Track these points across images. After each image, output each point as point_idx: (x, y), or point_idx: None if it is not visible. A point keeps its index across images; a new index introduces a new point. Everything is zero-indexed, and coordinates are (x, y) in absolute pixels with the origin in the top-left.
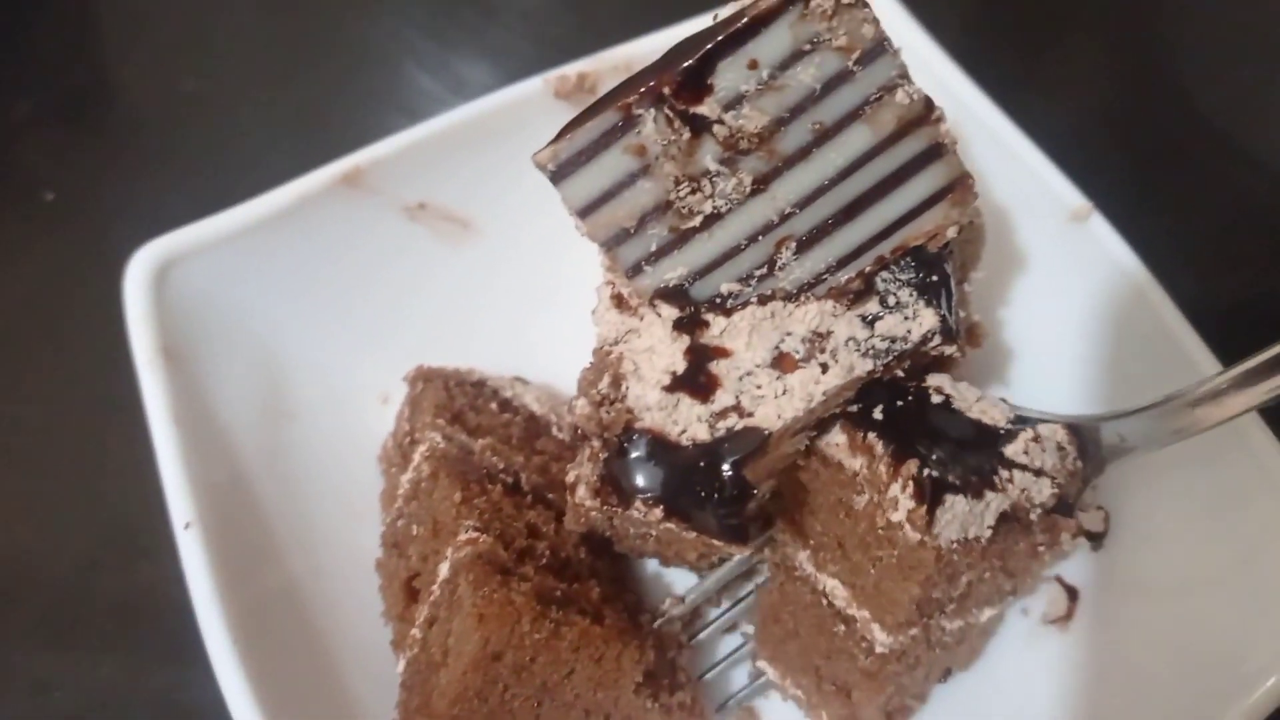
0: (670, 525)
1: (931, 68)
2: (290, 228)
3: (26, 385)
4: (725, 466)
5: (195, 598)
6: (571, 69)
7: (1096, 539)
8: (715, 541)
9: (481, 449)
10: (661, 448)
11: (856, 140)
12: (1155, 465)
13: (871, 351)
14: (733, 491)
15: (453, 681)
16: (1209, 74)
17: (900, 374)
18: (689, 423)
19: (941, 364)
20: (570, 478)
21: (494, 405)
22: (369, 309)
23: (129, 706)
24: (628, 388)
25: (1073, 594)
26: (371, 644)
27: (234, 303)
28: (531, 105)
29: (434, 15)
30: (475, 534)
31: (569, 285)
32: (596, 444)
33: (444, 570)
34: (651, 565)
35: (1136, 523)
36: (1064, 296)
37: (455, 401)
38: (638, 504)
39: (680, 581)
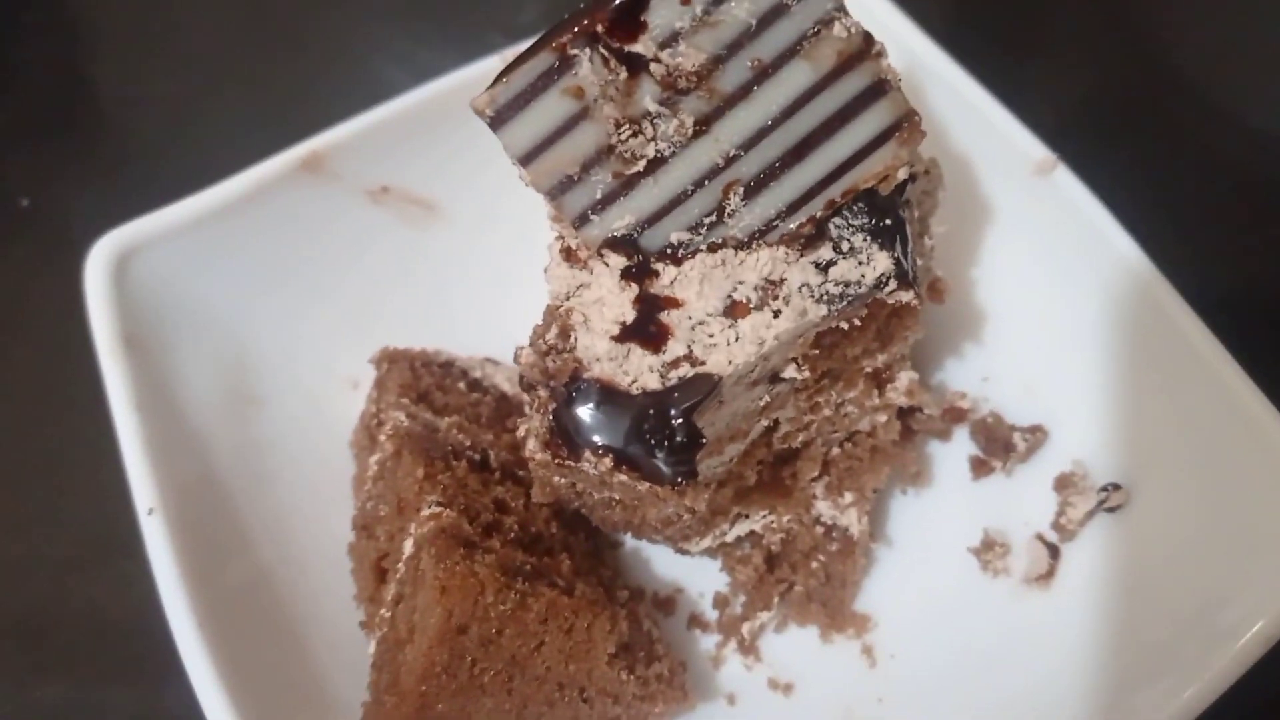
0: (623, 477)
1: (877, 17)
2: (252, 214)
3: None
4: (675, 414)
5: (161, 585)
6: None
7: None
8: (664, 493)
9: (447, 427)
10: (611, 397)
11: (797, 77)
12: (1136, 421)
13: (825, 297)
14: (683, 439)
15: (419, 657)
16: (1182, 31)
17: (858, 323)
18: (640, 372)
19: (902, 316)
20: (520, 432)
21: (462, 385)
22: (336, 294)
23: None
24: (576, 338)
25: (1054, 552)
26: (345, 629)
27: (198, 291)
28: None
29: (401, 7)
30: (438, 509)
31: (538, 266)
32: (543, 393)
33: (408, 547)
34: (630, 543)
35: (1118, 480)
36: (1032, 252)
37: (421, 381)
38: (588, 455)
39: (658, 558)
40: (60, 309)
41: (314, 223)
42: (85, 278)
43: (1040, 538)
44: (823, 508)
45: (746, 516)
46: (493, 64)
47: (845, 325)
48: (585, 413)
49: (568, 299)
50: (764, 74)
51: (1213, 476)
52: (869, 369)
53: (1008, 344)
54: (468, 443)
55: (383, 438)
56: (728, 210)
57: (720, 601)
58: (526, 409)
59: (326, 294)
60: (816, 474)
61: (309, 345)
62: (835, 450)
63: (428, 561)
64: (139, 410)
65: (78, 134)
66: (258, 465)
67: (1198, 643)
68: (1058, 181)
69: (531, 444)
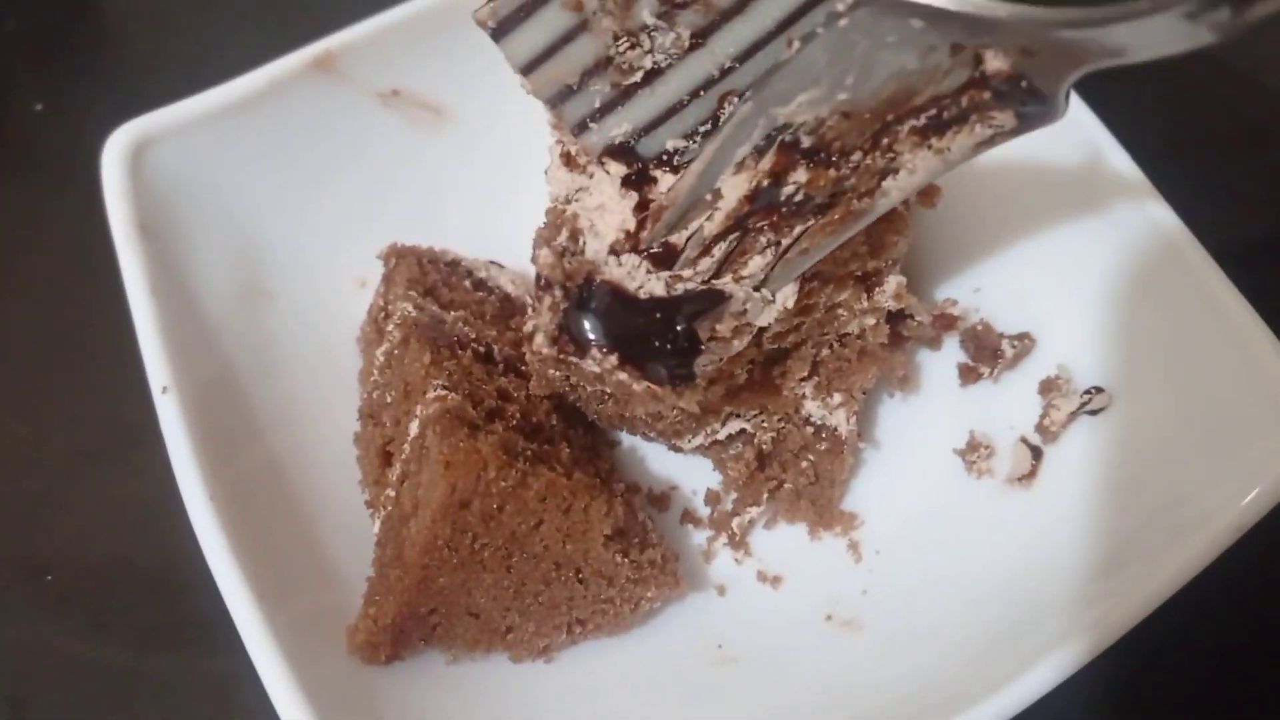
0: (623, 376)
1: None
2: (265, 112)
3: (18, 282)
4: (680, 322)
5: (174, 461)
6: None
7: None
8: (661, 392)
9: (454, 320)
10: (619, 300)
11: None
12: (1119, 328)
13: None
14: (684, 344)
15: (422, 530)
16: None
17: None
18: (647, 280)
19: (892, 220)
20: (528, 327)
21: (468, 283)
22: (344, 194)
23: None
24: (585, 242)
25: (1036, 453)
26: (350, 512)
27: (210, 184)
28: None
29: None
30: (444, 392)
31: (542, 173)
32: (558, 293)
33: (414, 428)
34: (627, 442)
35: (1101, 384)
36: (1025, 165)
37: (428, 277)
38: (594, 352)
39: (653, 456)
40: (79, 209)
41: (324, 123)
42: (102, 166)
43: (1024, 440)
44: (812, 408)
45: (737, 415)
46: None
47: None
48: (595, 314)
49: (568, 202)
50: None
51: (1191, 380)
52: (858, 272)
53: (999, 255)
54: (473, 335)
55: (390, 328)
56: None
57: (712, 498)
58: (531, 307)
59: (335, 193)
60: (805, 374)
61: (318, 242)
62: (825, 352)
63: (433, 439)
64: (154, 294)
65: (87, 38)
66: (267, 357)
67: (1168, 532)
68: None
69: (539, 339)
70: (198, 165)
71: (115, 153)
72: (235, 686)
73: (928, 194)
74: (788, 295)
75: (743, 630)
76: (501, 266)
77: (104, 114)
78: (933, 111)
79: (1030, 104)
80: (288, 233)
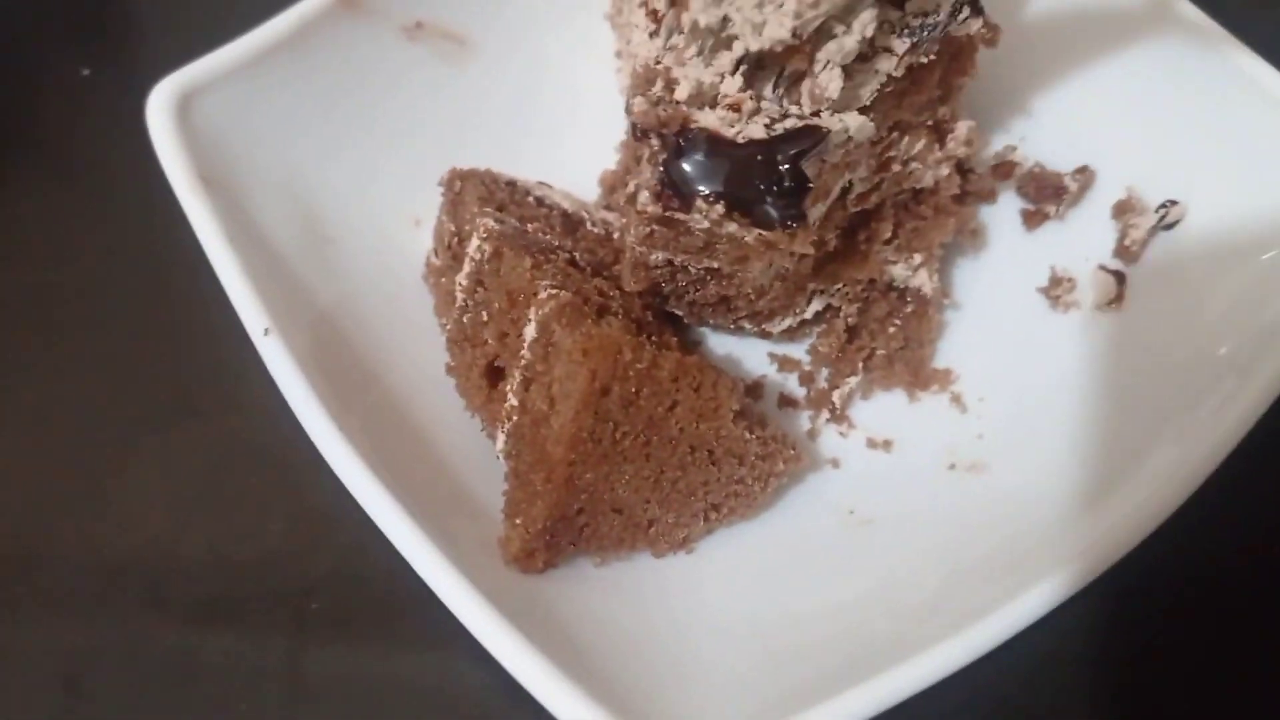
0: (732, 226)
1: None
2: (296, 54)
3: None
4: (783, 161)
5: (291, 399)
6: None
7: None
8: (774, 237)
9: (533, 230)
10: (719, 146)
11: None
12: (1181, 143)
13: (907, 30)
14: (791, 184)
15: (565, 424)
16: None
17: (933, 58)
18: (744, 124)
19: (962, 58)
20: (630, 188)
21: (530, 199)
22: (384, 132)
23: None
24: (678, 91)
25: (1120, 277)
26: (467, 440)
27: (255, 132)
28: None
29: None
30: (555, 290)
31: (567, 99)
32: (655, 143)
33: (530, 332)
34: (719, 348)
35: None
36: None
37: (496, 195)
38: (699, 204)
39: (738, 352)
40: (134, 165)
41: (354, 61)
42: (149, 122)
43: (1103, 267)
44: (895, 271)
45: (822, 292)
46: None
47: (924, 60)
48: (695, 163)
49: (657, 63)
50: None
51: (1256, 176)
52: (929, 121)
53: (1040, 99)
54: (555, 243)
55: (474, 246)
56: None
57: (805, 378)
58: (632, 169)
59: (375, 132)
60: (889, 236)
61: (367, 183)
62: (902, 213)
63: (561, 333)
64: (231, 243)
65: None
66: (344, 299)
67: (1255, 338)
68: None
69: (643, 197)
70: (241, 112)
71: (160, 106)
72: (297, 663)
73: (990, 33)
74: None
75: (870, 493)
76: (550, 186)
77: (151, 72)
78: None
79: None
80: (337, 176)
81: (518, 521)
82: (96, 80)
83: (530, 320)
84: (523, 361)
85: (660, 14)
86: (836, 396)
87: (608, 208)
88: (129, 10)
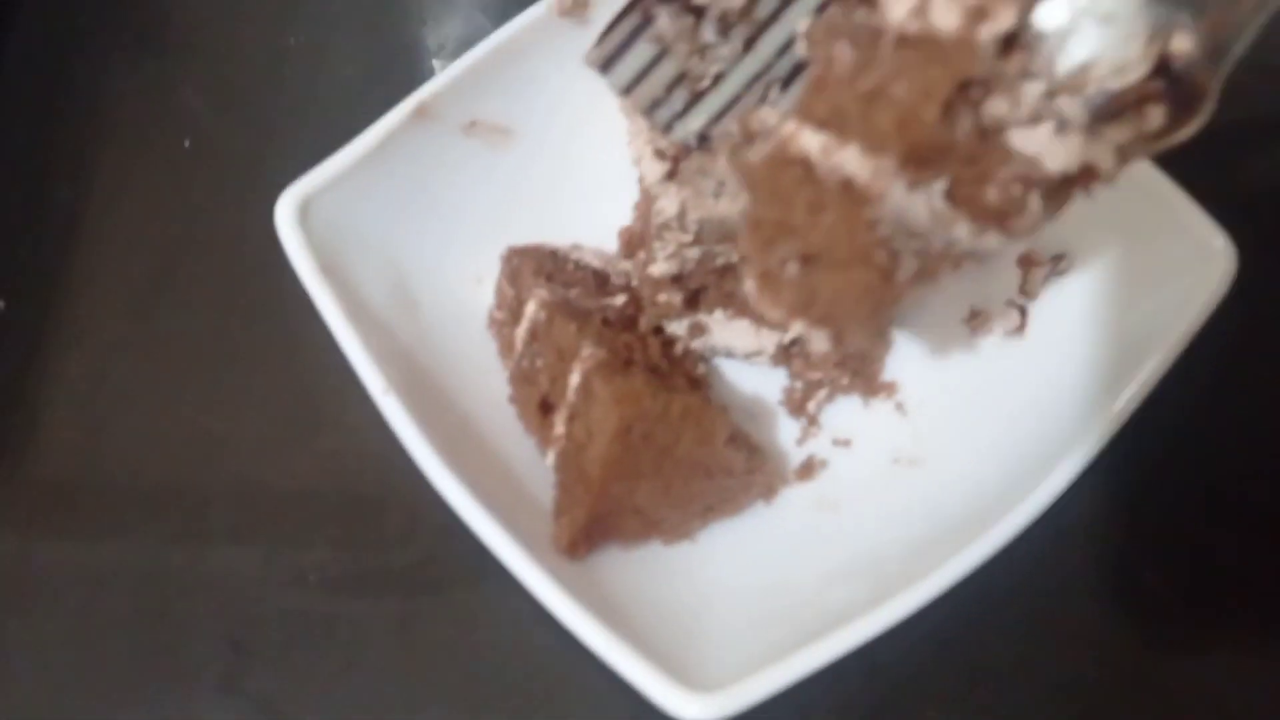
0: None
1: None
2: (383, 156)
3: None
4: None
5: (408, 445)
6: None
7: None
8: None
9: (575, 296)
10: None
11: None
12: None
13: None
14: None
15: (599, 454)
16: None
17: None
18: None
19: None
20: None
21: (570, 266)
22: (449, 209)
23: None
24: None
25: (1022, 311)
26: (524, 454)
27: (357, 223)
28: (540, 25)
29: None
30: (594, 349)
31: (593, 170)
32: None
33: (574, 379)
34: (728, 373)
35: (1062, 251)
36: None
37: (545, 266)
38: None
39: (750, 378)
40: (234, 235)
41: (425, 157)
42: (278, 223)
43: (1011, 302)
44: None
45: None
46: (540, 10)
47: None
48: None
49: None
50: (787, 1)
51: (1130, 236)
52: None
53: None
54: (593, 306)
55: (531, 309)
56: (769, 101)
57: (789, 394)
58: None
59: (443, 211)
60: None
61: (439, 253)
62: None
63: (599, 384)
64: (350, 320)
65: (222, 84)
66: (432, 349)
67: (1135, 350)
68: None
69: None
70: (346, 210)
71: (288, 210)
72: (407, 627)
73: None
74: None
75: (834, 483)
76: (581, 246)
77: (240, 149)
78: None
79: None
80: (416, 251)
81: (564, 521)
82: (195, 152)
83: (575, 371)
84: (568, 401)
85: (663, 155)
86: (811, 406)
87: (627, 257)
88: (226, 95)
